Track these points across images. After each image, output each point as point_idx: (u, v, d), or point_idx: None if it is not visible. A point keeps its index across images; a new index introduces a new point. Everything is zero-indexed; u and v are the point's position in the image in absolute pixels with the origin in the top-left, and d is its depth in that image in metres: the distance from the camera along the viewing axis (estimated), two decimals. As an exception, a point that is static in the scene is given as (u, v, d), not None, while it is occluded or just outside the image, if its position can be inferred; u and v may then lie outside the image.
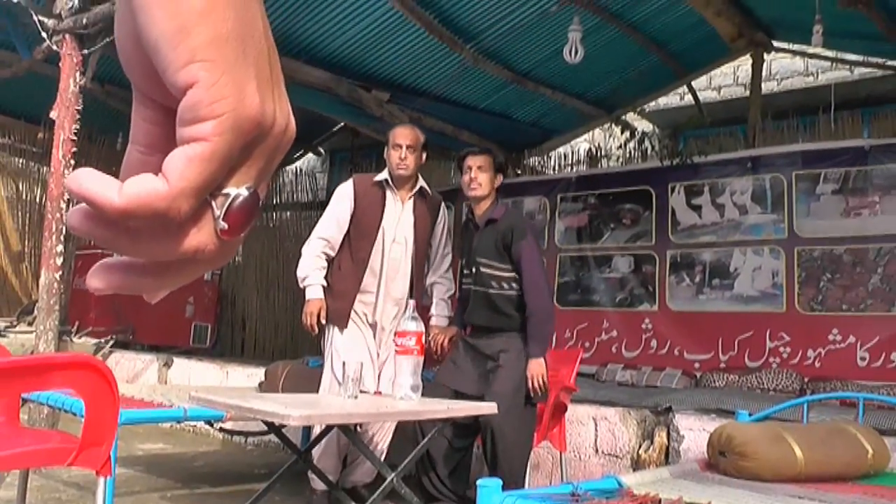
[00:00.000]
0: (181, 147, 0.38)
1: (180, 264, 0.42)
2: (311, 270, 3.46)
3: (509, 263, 3.26)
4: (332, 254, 3.50)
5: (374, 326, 3.48)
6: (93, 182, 0.37)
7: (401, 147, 3.43)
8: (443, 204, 3.71)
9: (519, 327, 3.23)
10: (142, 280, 0.42)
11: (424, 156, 3.54)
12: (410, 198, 3.53)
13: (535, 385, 3.11)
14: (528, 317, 3.20)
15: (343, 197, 3.52)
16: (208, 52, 0.37)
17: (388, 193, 3.50)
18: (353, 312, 3.44)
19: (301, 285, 3.50)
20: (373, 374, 3.42)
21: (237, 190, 0.39)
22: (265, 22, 0.40)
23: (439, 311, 3.62)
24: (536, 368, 3.12)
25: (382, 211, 3.47)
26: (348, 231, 3.48)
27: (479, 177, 3.33)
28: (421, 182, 3.56)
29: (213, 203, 0.39)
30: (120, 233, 0.39)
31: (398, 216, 3.50)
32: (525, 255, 3.23)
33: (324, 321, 3.41)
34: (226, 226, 0.39)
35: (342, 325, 3.43)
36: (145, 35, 0.37)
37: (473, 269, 3.34)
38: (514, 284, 3.26)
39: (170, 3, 0.36)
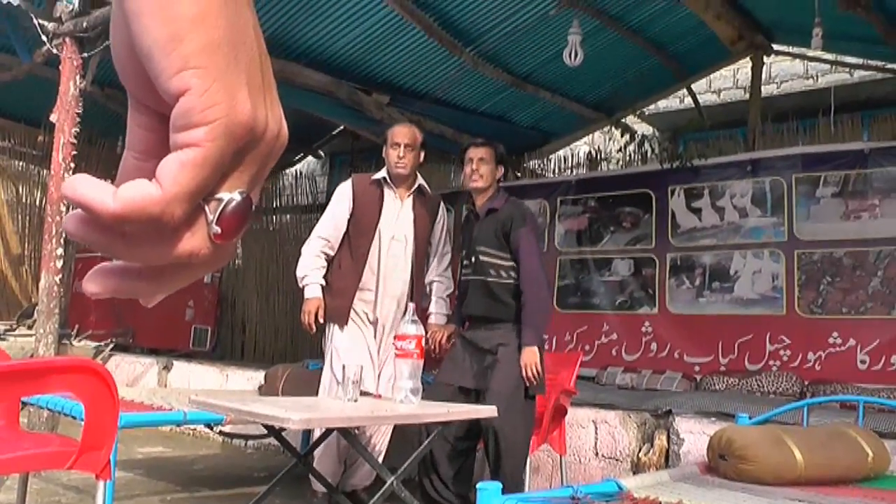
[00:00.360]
0: (174, 153, 0.38)
1: (175, 268, 0.42)
2: (310, 270, 3.48)
3: (508, 252, 3.26)
4: (332, 253, 3.52)
5: (374, 324, 3.49)
6: (88, 187, 0.38)
7: (399, 146, 3.46)
8: (442, 202, 3.73)
9: (516, 318, 3.21)
10: (137, 284, 0.42)
11: (423, 155, 3.56)
12: (409, 196, 3.55)
13: (529, 374, 3.09)
14: (523, 305, 3.18)
15: (342, 196, 3.54)
16: (200, 59, 0.37)
17: (387, 191, 3.52)
18: (353, 311, 3.45)
19: (300, 284, 3.51)
20: (373, 375, 3.42)
21: (230, 195, 0.40)
22: (257, 29, 0.41)
23: (438, 309, 3.63)
24: (530, 357, 3.10)
25: (380, 209, 3.48)
26: (348, 230, 3.50)
27: (480, 168, 3.34)
28: (420, 180, 3.58)
29: (207, 208, 0.40)
30: (115, 237, 0.39)
31: (397, 214, 3.52)
32: (523, 244, 3.23)
33: (321, 320, 3.42)
34: (219, 230, 0.40)
35: (342, 323, 3.44)
36: (138, 42, 0.37)
37: (473, 259, 3.34)
38: (512, 273, 3.26)
39: (162, 11, 0.37)
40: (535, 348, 3.12)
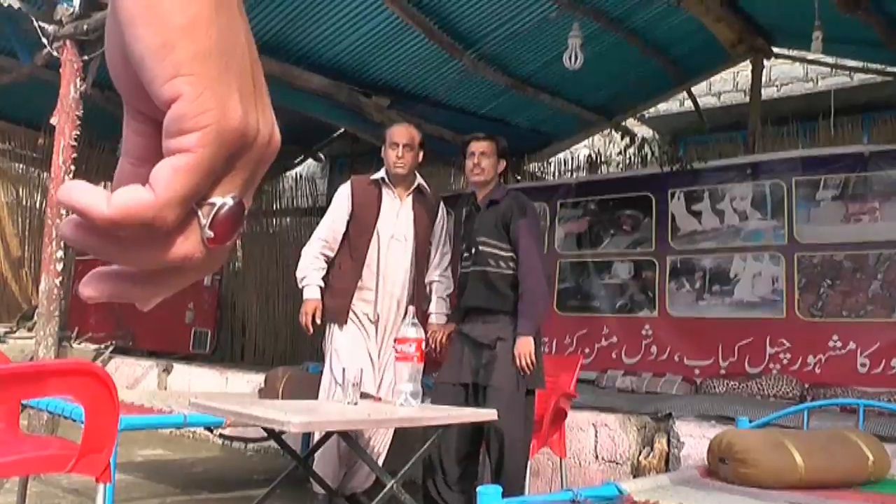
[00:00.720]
0: (167, 158, 0.39)
1: (169, 272, 0.42)
2: (310, 271, 3.50)
3: (508, 243, 3.26)
4: (332, 254, 3.53)
5: (375, 324, 3.49)
6: (83, 193, 0.38)
7: (398, 146, 3.47)
8: (441, 202, 3.74)
9: (514, 310, 3.20)
10: (133, 288, 0.43)
11: (421, 154, 3.57)
12: (409, 195, 3.56)
13: (523, 364, 3.08)
14: (520, 295, 3.18)
15: (341, 198, 3.57)
16: (192, 66, 0.38)
17: (386, 191, 3.53)
18: (352, 311, 3.45)
19: (299, 285, 3.53)
20: (373, 377, 3.42)
21: (222, 199, 0.40)
22: (249, 36, 0.41)
23: (438, 309, 3.63)
24: (524, 346, 3.09)
25: (379, 208, 3.49)
26: (348, 231, 3.51)
27: (482, 162, 3.35)
28: (419, 180, 3.59)
29: (200, 212, 0.40)
30: (110, 242, 0.40)
31: (396, 213, 3.53)
32: (523, 235, 3.23)
33: (319, 321, 3.43)
34: (212, 234, 0.40)
35: (342, 322, 3.44)
36: (131, 50, 0.38)
37: (473, 250, 3.33)
38: (511, 264, 3.26)
39: (154, 20, 0.37)
40: (530, 338, 3.11)
